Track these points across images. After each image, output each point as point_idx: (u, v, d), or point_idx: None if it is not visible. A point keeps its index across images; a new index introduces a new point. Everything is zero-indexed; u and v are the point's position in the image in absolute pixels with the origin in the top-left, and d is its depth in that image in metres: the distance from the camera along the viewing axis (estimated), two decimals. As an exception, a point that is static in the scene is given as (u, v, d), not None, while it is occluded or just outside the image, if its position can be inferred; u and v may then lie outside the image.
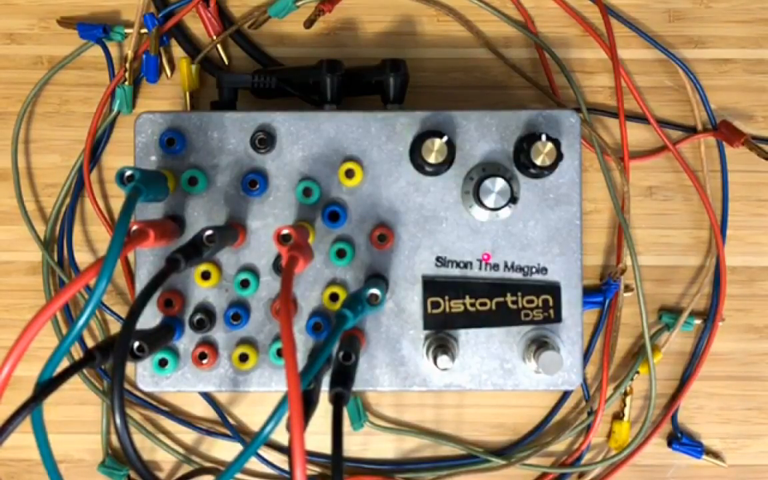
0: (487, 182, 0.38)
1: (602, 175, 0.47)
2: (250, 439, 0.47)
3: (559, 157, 0.38)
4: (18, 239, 0.48)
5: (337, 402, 0.31)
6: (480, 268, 0.41)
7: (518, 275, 0.41)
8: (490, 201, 0.38)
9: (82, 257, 0.48)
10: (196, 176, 0.39)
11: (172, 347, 0.40)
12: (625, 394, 0.47)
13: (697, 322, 0.47)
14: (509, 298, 0.41)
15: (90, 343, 0.47)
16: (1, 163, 0.48)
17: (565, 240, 0.41)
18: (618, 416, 0.48)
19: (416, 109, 0.41)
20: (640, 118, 0.48)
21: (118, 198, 0.48)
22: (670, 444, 0.48)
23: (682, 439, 0.48)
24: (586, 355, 0.47)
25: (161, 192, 0.38)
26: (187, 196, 0.40)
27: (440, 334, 0.41)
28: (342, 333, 0.33)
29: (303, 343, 0.40)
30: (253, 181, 0.39)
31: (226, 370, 0.41)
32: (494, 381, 0.41)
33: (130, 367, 0.44)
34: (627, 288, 0.47)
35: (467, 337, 0.41)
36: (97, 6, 0.48)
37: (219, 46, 0.47)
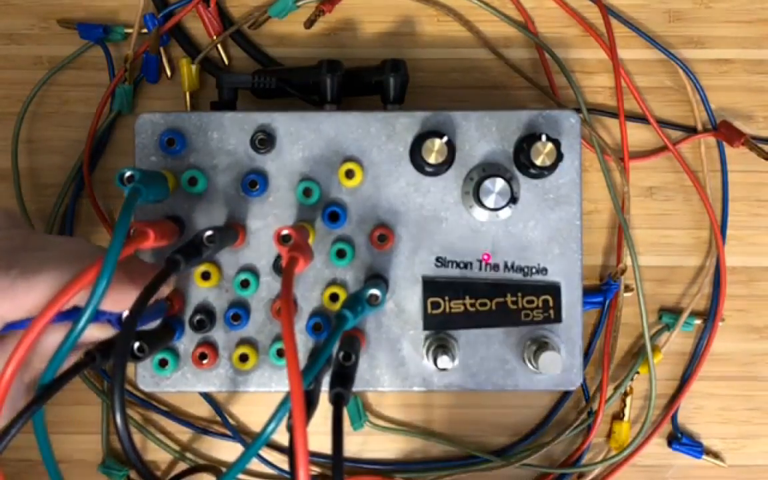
0: (487, 182, 0.38)
1: (602, 175, 0.47)
2: (250, 439, 0.47)
3: (559, 157, 0.38)
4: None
5: (338, 402, 0.31)
6: (480, 269, 0.41)
7: (518, 275, 0.41)
8: (490, 201, 0.38)
9: (82, 257, 0.47)
10: (196, 176, 0.39)
11: (172, 347, 0.40)
12: (625, 394, 0.47)
13: (697, 322, 0.47)
14: (509, 299, 0.41)
15: (90, 344, 0.47)
16: (1, 164, 0.48)
17: (565, 240, 0.41)
18: (618, 416, 0.48)
19: (416, 109, 0.41)
20: (640, 118, 0.48)
21: (118, 198, 0.48)
22: (670, 444, 0.48)
23: (682, 439, 0.48)
24: (586, 355, 0.47)
25: (161, 192, 0.38)
26: (187, 196, 0.40)
27: (440, 334, 0.41)
28: (342, 333, 0.33)
29: (303, 343, 0.40)
30: (253, 182, 0.39)
31: (226, 370, 0.41)
32: (494, 381, 0.41)
33: (130, 368, 0.44)
34: (627, 288, 0.47)
35: (467, 337, 0.41)
36: (97, 6, 0.48)
37: (219, 46, 0.47)
